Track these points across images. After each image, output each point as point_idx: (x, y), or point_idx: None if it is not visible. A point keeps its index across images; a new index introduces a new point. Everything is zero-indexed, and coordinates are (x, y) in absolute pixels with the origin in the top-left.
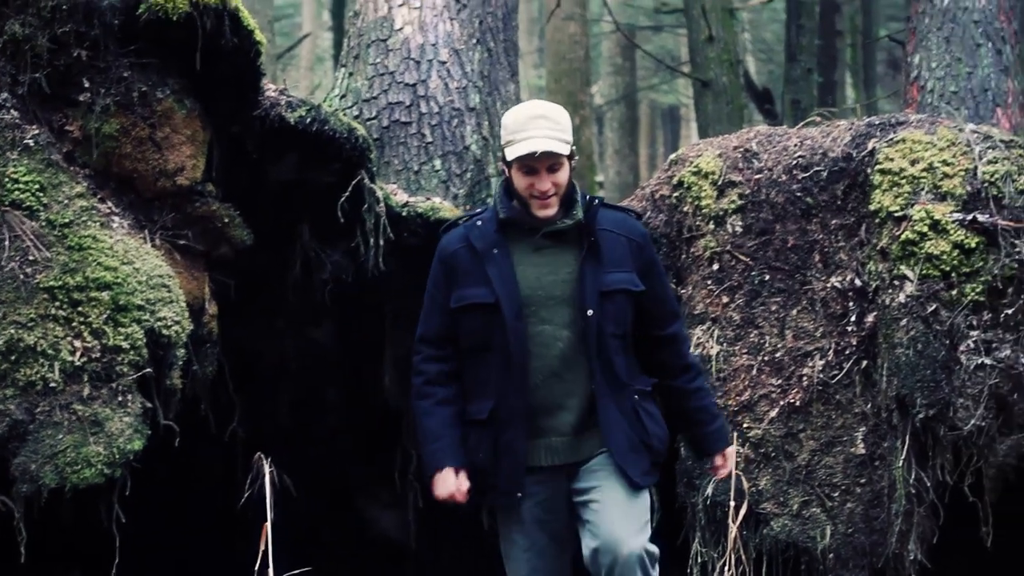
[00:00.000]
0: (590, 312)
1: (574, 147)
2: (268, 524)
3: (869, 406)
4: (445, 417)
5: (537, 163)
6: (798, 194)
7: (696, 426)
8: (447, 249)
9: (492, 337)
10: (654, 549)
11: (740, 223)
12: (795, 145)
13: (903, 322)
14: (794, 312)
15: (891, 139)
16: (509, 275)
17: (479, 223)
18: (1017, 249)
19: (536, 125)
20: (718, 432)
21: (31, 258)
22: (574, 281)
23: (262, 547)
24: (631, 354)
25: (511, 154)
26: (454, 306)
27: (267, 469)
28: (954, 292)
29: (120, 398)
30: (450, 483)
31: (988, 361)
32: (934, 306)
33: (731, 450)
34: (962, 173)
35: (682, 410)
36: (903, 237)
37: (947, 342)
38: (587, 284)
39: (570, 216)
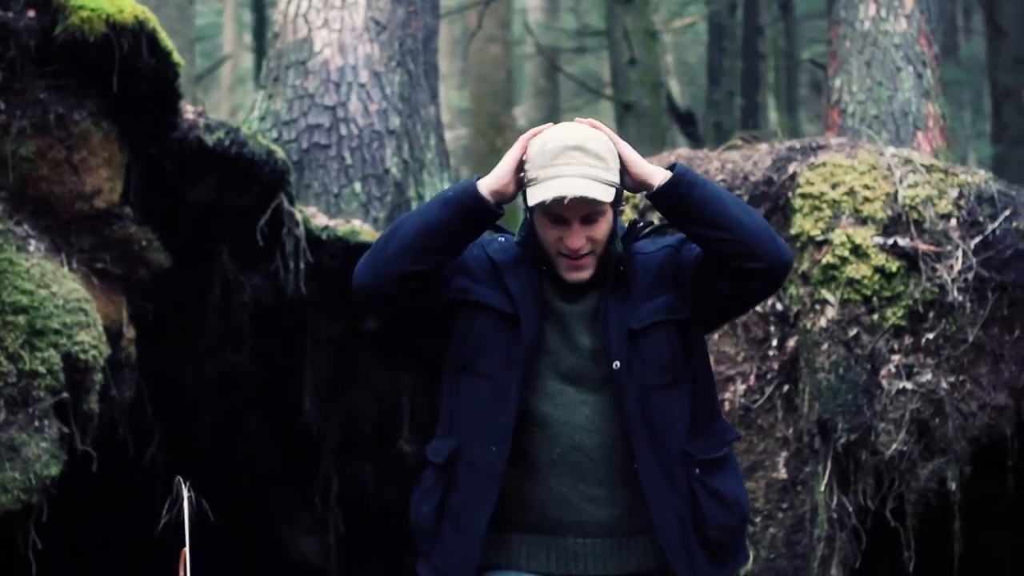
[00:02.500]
0: (616, 364)
1: (620, 186)
2: (186, 550)
3: (791, 431)
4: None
5: (568, 212)
6: None
7: None
8: (474, 248)
9: (488, 357)
10: None
11: None
12: (716, 168)
13: (824, 346)
14: (716, 336)
15: (812, 163)
16: (533, 296)
17: (501, 239)
18: (938, 273)
19: (569, 159)
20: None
21: None
22: (597, 323)
23: (180, 573)
24: (698, 404)
25: (532, 197)
26: (455, 297)
27: (186, 494)
28: (875, 316)
29: (37, 423)
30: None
31: (909, 385)
32: (855, 330)
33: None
34: (883, 197)
35: None
36: (824, 261)
37: (868, 366)
38: (611, 326)
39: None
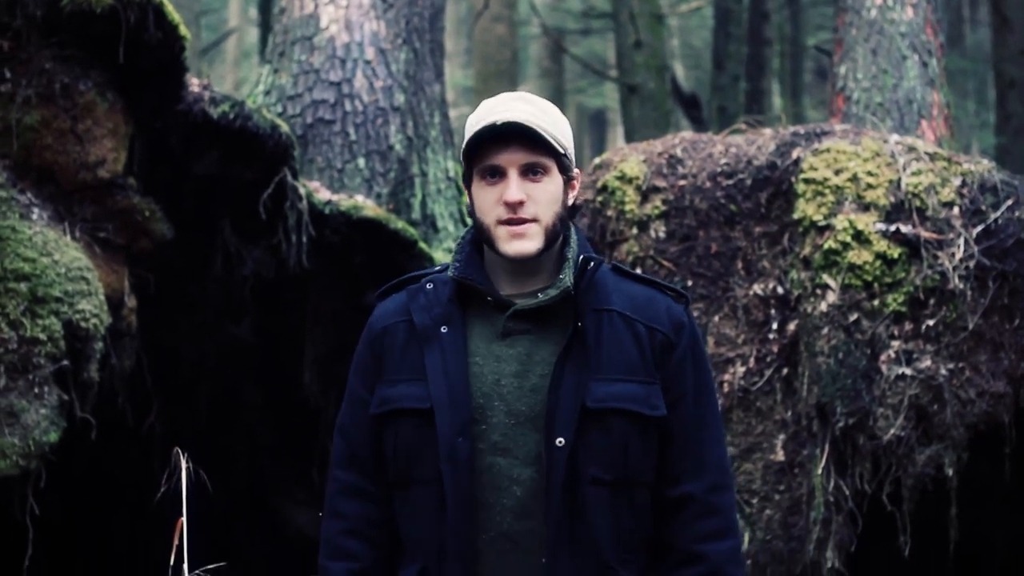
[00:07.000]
0: (560, 441)
1: (574, 165)
2: (183, 520)
3: (789, 414)
4: None
5: (504, 158)
6: (722, 201)
7: None
8: (376, 325)
9: (421, 463)
10: None
11: (663, 229)
12: (720, 152)
13: (824, 331)
14: (716, 319)
15: (816, 149)
16: (457, 368)
17: (429, 286)
18: (939, 260)
19: (508, 107)
20: None
21: None
22: (546, 390)
23: (176, 543)
24: (637, 520)
25: (467, 146)
26: (375, 411)
27: (184, 464)
28: (876, 302)
29: (37, 390)
30: None
31: (908, 371)
32: (856, 316)
33: None
34: (886, 184)
35: None
36: (826, 246)
37: (868, 351)
38: (564, 395)
39: (556, 284)
